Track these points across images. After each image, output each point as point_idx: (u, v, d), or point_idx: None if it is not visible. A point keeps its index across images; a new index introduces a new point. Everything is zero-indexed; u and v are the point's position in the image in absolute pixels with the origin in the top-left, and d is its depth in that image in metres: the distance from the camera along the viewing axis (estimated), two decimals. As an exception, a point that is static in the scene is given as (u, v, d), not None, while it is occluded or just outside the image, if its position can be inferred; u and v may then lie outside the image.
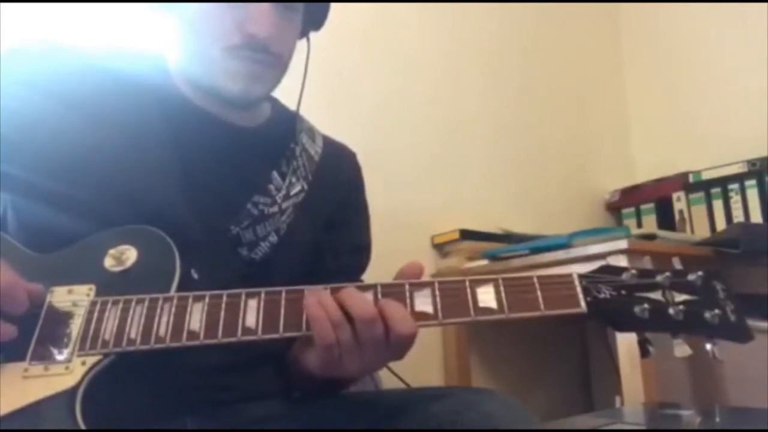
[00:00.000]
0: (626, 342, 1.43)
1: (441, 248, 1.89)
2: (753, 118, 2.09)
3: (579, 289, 0.72)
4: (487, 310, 0.71)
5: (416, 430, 0.78)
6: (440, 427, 0.76)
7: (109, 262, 0.77)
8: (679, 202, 2.13)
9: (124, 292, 0.73)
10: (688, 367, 1.68)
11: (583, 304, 0.71)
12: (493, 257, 1.76)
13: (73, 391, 0.67)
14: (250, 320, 0.71)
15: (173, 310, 0.71)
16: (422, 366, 1.72)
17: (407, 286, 0.73)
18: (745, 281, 1.55)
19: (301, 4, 0.95)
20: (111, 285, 0.75)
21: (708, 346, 0.71)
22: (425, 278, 0.74)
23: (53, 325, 0.72)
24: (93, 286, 0.75)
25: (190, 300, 0.72)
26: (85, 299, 0.73)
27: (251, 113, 0.98)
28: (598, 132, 2.44)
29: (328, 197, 1.00)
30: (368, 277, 1.01)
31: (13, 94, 0.84)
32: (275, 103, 1.04)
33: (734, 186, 2.02)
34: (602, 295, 0.72)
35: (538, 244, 1.67)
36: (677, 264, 0.75)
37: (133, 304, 0.72)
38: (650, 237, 1.66)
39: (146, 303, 0.72)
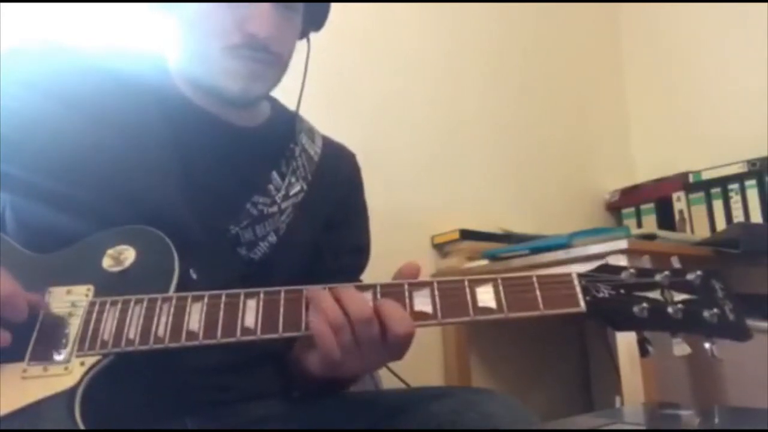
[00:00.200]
0: (626, 342, 1.43)
1: (441, 248, 1.89)
2: (753, 118, 2.09)
3: (578, 289, 0.72)
4: (487, 310, 0.71)
5: (416, 430, 0.78)
6: (440, 427, 0.76)
7: (107, 263, 0.77)
8: (679, 202, 2.13)
9: (122, 292, 0.73)
10: (688, 367, 1.68)
11: (582, 303, 0.71)
12: (493, 257, 1.76)
13: (72, 391, 0.67)
14: (249, 320, 0.71)
15: (172, 310, 0.71)
16: (422, 366, 1.72)
17: (406, 286, 0.73)
18: (745, 281, 1.55)
19: (301, 4, 0.95)
20: (110, 285, 0.75)
21: (707, 345, 0.71)
22: (425, 278, 0.74)
23: (52, 326, 0.72)
24: (91, 287, 0.75)
25: (189, 300, 0.72)
26: (84, 300, 0.73)
27: (251, 113, 0.98)
28: (598, 132, 2.44)
29: (328, 197, 1.00)
30: (368, 277, 1.01)
31: (13, 94, 0.84)
32: (275, 103, 1.04)
33: (734, 186, 2.02)
34: (601, 295, 0.72)
35: (538, 244, 1.68)
36: (676, 263, 0.75)
37: (132, 304, 0.72)
38: (650, 237, 1.66)
39: (145, 303, 0.72)
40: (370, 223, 1.09)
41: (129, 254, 0.77)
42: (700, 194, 2.09)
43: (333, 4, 1.02)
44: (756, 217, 1.96)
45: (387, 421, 0.80)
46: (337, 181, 1.04)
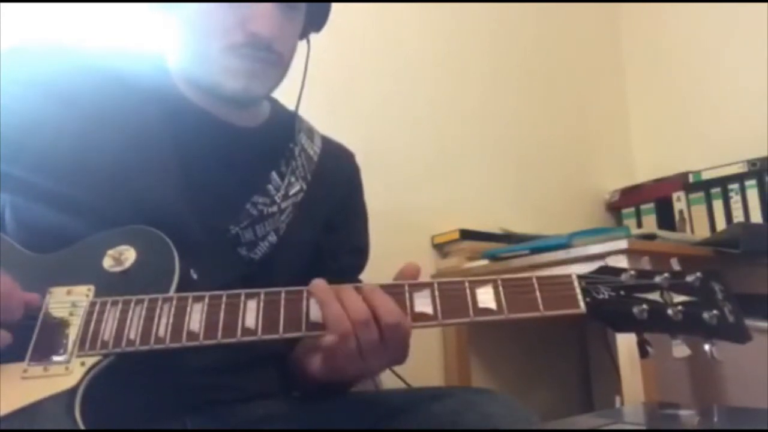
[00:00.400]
0: (626, 342, 1.43)
1: (441, 248, 1.89)
2: (753, 118, 2.09)
3: (578, 290, 0.72)
4: (487, 311, 0.71)
5: (416, 430, 0.78)
6: (440, 427, 0.76)
7: (108, 263, 0.77)
8: (679, 202, 2.13)
9: (123, 292, 0.73)
10: (688, 367, 1.68)
11: (582, 304, 0.72)
12: (493, 257, 1.76)
13: (72, 391, 0.67)
14: (250, 321, 0.71)
15: (173, 310, 0.71)
16: (422, 366, 1.72)
17: (407, 287, 0.73)
18: (745, 281, 1.55)
19: (303, 4, 0.95)
20: (110, 285, 0.75)
21: (706, 347, 0.71)
22: (425, 279, 0.74)
23: (52, 326, 0.72)
24: (92, 287, 0.75)
25: (190, 300, 0.72)
26: (84, 300, 0.73)
27: (251, 113, 0.98)
28: (598, 132, 2.44)
29: (328, 197, 1.00)
30: (368, 277, 1.01)
31: (14, 94, 0.84)
32: (275, 103, 1.04)
33: (734, 186, 2.02)
34: (601, 296, 0.72)
35: (538, 244, 1.67)
36: (675, 265, 0.75)
37: (133, 304, 0.72)
38: (650, 237, 1.66)
39: (145, 303, 0.72)
40: (370, 224, 1.09)
41: (129, 254, 0.77)
42: (700, 194, 2.09)
43: (333, 5, 1.02)
44: (756, 217, 1.95)
45: (387, 421, 0.81)
46: (337, 180, 1.04)
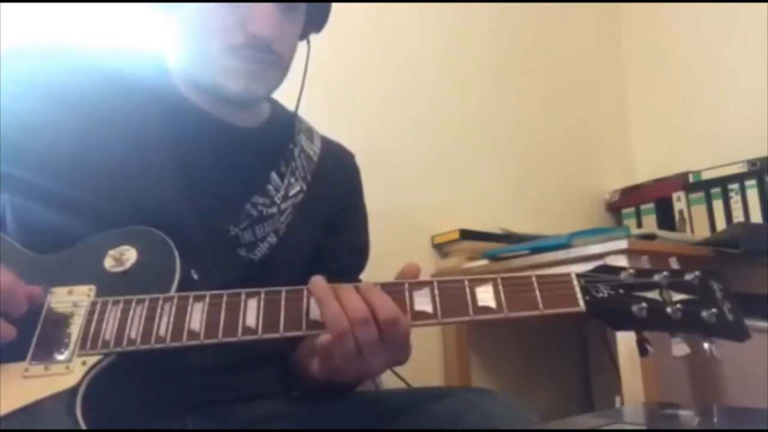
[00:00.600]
0: (626, 342, 1.43)
1: (441, 248, 1.89)
2: (753, 118, 2.09)
3: (577, 289, 0.72)
4: (486, 309, 0.72)
5: (416, 430, 0.78)
6: (440, 427, 0.76)
7: (109, 263, 0.77)
8: (679, 202, 2.13)
9: (124, 292, 0.74)
10: (688, 367, 1.68)
11: (581, 303, 0.72)
12: (493, 257, 1.76)
13: (73, 390, 0.67)
14: (251, 320, 0.71)
15: (173, 310, 0.72)
16: (422, 366, 1.72)
17: (406, 286, 0.73)
18: (745, 281, 1.55)
19: (303, 5, 0.95)
20: (111, 285, 0.75)
21: (705, 345, 0.71)
22: (425, 278, 0.74)
23: (53, 326, 0.72)
24: (93, 287, 0.75)
25: (191, 300, 0.72)
26: (86, 300, 0.74)
27: (251, 114, 0.98)
28: (598, 132, 2.44)
29: (328, 198, 1.00)
30: (368, 277, 1.01)
31: (14, 95, 0.84)
32: (274, 104, 1.04)
33: (734, 186, 2.02)
34: (600, 295, 0.72)
35: (538, 244, 1.68)
36: (674, 264, 0.75)
37: (134, 304, 0.72)
38: (650, 237, 1.66)
39: (146, 303, 0.72)
40: (371, 224, 1.09)
41: (130, 255, 0.77)
42: (700, 194, 2.09)
43: (333, 5, 1.02)
44: (756, 217, 1.96)
45: (387, 422, 0.81)
46: (337, 181, 1.04)
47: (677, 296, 0.72)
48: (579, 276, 0.73)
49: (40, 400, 0.67)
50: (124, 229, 0.79)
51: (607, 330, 1.77)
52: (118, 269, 0.76)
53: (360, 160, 1.10)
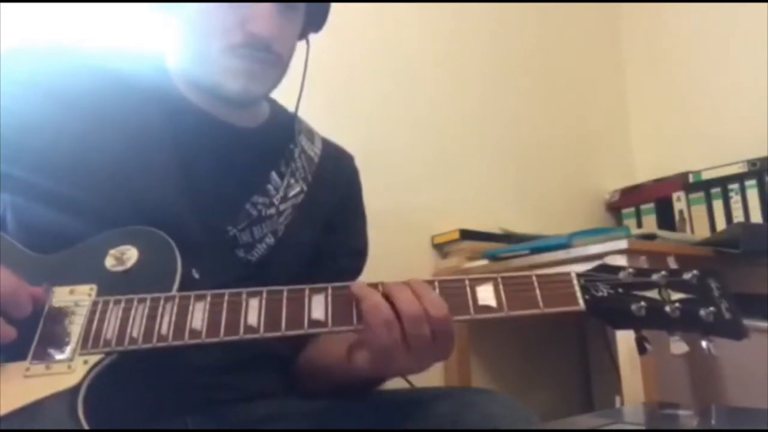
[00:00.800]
0: (626, 342, 1.43)
1: (441, 248, 1.89)
2: (753, 118, 2.09)
3: (577, 288, 0.73)
4: (487, 308, 0.72)
5: (416, 430, 0.78)
6: (440, 427, 0.76)
7: (110, 262, 0.77)
8: (679, 202, 2.13)
9: (125, 292, 0.74)
10: (688, 367, 1.68)
11: (581, 302, 0.72)
12: (493, 257, 1.76)
13: (75, 389, 0.67)
14: (252, 319, 0.71)
15: (175, 309, 0.72)
16: (422, 366, 1.71)
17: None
18: (745, 281, 1.55)
19: (302, 5, 0.95)
20: (112, 285, 0.75)
21: (704, 344, 0.71)
22: (426, 277, 0.75)
23: (55, 325, 0.72)
24: (94, 286, 0.75)
25: (192, 299, 0.72)
26: (87, 299, 0.74)
27: (250, 113, 0.98)
28: (598, 132, 2.44)
29: (328, 199, 1.00)
30: (369, 277, 1.00)
31: (14, 95, 0.85)
32: (274, 104, 1.04)
33: (734, 186, 2.01)
34: (600, 294, 0.73)
35: (538, 244, 1.68)
36: (673, 263, 0.76)
37: (135, 303, 0.72)
38: (650, 237, 1.66)
39: (148, 302, 0.72)
40: (371, 224, 1.10)
41: (131, 254, 0.77)
42: (700, 194, 2.09)
43: (333, 5, 1.02)
44: (756, 217, 1.95)
45: (387, 422, 0.81)
46: (338, 182, 1.04)
47: (676, 295, 0.72)
48: (579, 275, 0.74)
49: (42, 399, 0.67)
50: (125, 229, 0.79)
51: (607, 330, 1.78)
52: (120, 269, 0.77)
53: (360, 160, 1.11)
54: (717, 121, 2.25)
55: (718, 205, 2.05)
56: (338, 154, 1.08)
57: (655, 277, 0.74)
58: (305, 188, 0.98)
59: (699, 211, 2.08)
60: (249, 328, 0.71)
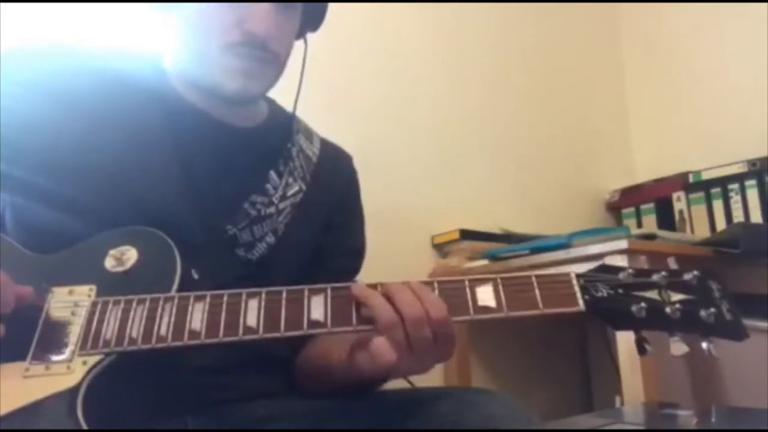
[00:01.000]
0: (626, 342, 1.42)
1: (441, 248, 1.89)
2: (753, 118, 2.09)
3: (577, 288, 0.73)
4: (487, 309, 0.72)
5: (416, 430, 0.78)
6: (441, 427, 0.76)
7: (109, 263, 0.77)
8: (679, 202, 2.13)
9: (125, 292, 0.74)
10: (688, 367, 1.68)
11: (581, 302, 0.72)
12: (493, 257, 1.76)
13: (74, 390, 0.67)
14: (251, 320, 0.71)
15: (174, 309, 0.72)
16: (422, 366, 1.71)
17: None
18: (745, 281, 1.55)
19: (300, 4, 0.95)
20: (112, 285, 0.75)
21: (704, 345, 0.71)
22: (425, 278, 0.75)
23: (54, 326, 0.72)
24: (94, 287, 0.75)
25: (191, 300, 0.72)
26: (86, 300, 0.74)
27: (249, 113, 0.98)
28: (598, 132, 2.44)
29: (327, 198, 1.00)
30: (369, 277, 1.01)
31: (13, 95, 0.85)
32: (273, 104, 1.04)
33: (734, 186, 2.01)
34: (600, 294, 0.73)
35: (538, 244, 1.68)
36: (673, 264, 0.76)
37: (134, 304, 0.72)
38: (650, 237, 1.66)
39: (147, 303, 0.72)
40: (370, 224, 1.10)
41: (131, 254, 0.77)
42: (700, 194, 2.09)
43: (332, 4, 1.02)
44: (756, 217, 1.95)
45: (387, 422, 0.80)
46: (336, 182, 1.04)
47: (676, 296, 0.72)
48: (578, 276, 0.74)
49: (41, 399, 0.67)
50: (125, 229, 0.79)
51: (607, 330, 1.78)
52: (119, 269, 0.77)
53: (359, 160, 1.11)
54: (717, 121, 2.25)
55: (718, 205, 2.05)
56: (337, 154, 1.08)
57: (655, 277, 0.74)
58: (304, 188, 0.98)
59: (699, 211, 2.08)
60: (248, 329, 0.71)
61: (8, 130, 0.83)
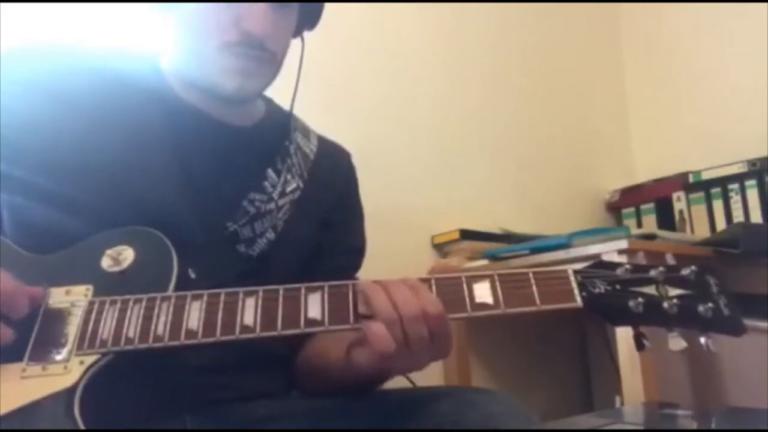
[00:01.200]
0: (626, 341, 1.43)
1: (441, 248, 1.88)
2: (753, 118, 2.08)
3: (574, 284, 0.73)
4: (484, 306, 0.72)
5: (416, 430, 0.78)
6: (440, 427, 0.76)
7: (106, 263, 0.77)
8: (679, 202, 2.13)
9: (122, 292, 0.74)
10: (688, 367, 1.68)
11: (578, 298, 0.72)
12: (493, 257, 1.76)
13: (71, 390, 0.67)
14: (248, 318, 0.71)
15: (171, 309, 0.72)
16: (422, 366, 1.71)
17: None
18: (745, 281, 1.55)
19: (296, 3, 0.95)
20: (109, 285, 0.75)
21: (702, 340, 0.71)
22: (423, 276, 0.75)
23: (51, 326, 0.72)
24: (90, 287, 0.75)
25: (188, 299, 0.72)
26: (83, 299, 0.74)
27: (246, 112, 0.98)
28: (598, 132, 2.44)
29: (325, 195, 1.01)
30: (369, 276, 1.00)
31: (13, 95, 0.85)
32: (270, 103, 1.05)
33: (734, 186, 2.01)
34: (597, 290, 0.73)
35: (538, 244, 1.67)
36: (670, 259, 0.75)
37: (131, 303, 0.72)
38: (650, 237, 1.66)
39: (144, 303, 0.72)
40: (370, 223, 1.09)
41: (128, 254, 0.77)
42: (700, 194, 2.09)
43: (331, 3, 1.02)
44: (756, 217, 1.95)
45: (387, 421, 0.80)
46: (334, 179, 1.04)
47: (673, 291, 0.72)
48: (576, 272, 0.74)
49: (38, 400, 0.67)
50: (122, 229, 0.80)
51: (607, 329, 1.77)
52: (116, 269, 0.76)
53: (359, 160, 1.10)
54: (717, 121, 2.24)
55: (718, 205, 2.04)
56: (335, 151, 1.09)
57: (652, 273, 0.74)
58: (301, 184, 0.98)
59: (699, 211, 2.08)
60: (245, 328, 0.70)
61: (8, 130, 0.83)
